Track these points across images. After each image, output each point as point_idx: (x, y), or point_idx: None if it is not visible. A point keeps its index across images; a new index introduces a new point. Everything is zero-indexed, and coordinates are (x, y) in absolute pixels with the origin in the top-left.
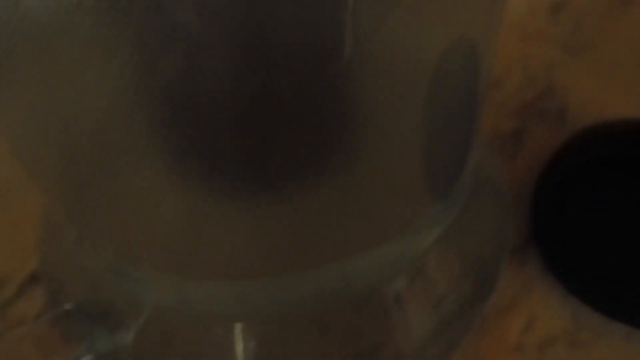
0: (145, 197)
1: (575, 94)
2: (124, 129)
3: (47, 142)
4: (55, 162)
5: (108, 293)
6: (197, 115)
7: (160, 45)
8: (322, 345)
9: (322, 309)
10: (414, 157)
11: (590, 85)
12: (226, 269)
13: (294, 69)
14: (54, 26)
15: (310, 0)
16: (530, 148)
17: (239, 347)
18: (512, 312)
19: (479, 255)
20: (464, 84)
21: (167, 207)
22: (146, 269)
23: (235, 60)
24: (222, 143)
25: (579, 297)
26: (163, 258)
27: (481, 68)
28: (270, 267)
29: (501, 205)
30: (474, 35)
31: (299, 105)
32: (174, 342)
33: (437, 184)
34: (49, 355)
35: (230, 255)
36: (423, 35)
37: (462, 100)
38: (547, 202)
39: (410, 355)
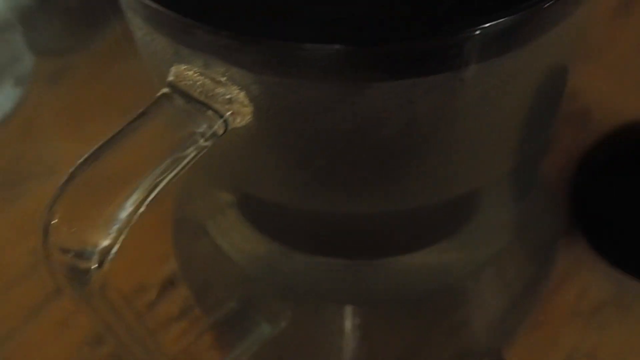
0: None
1: (594, 96)
2: None
3: None
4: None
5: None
6: None
7: None
8: (416, 324)
9: (414, 294)
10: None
11: (606, 87)
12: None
13: None
14: None
15: None
16: (562, 147)
17: (348, 324)
18: (566, 286)
19: (538, 242)
20: (556, 94)
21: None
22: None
23: None
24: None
25: (620, 268)
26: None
27: (567, 79)
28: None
29: (549, 197)
30: (568, 61)
31: None
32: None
33: (525, 186)
34: None
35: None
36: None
37: (551, 109)
38: (586, 190)
39: (489, 328)
